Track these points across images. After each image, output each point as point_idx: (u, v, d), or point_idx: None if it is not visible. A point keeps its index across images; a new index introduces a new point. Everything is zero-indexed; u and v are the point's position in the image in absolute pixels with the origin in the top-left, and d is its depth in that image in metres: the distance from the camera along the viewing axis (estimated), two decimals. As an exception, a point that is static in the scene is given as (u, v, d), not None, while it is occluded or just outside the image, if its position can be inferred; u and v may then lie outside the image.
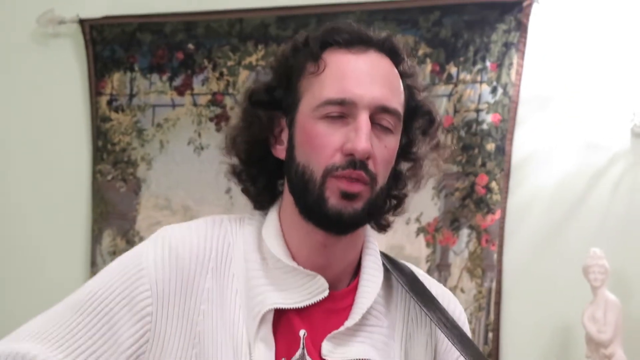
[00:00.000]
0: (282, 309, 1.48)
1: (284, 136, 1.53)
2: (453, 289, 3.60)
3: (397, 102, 1.50)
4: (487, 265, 3.59)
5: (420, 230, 3.65)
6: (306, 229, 1.50)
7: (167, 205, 4.02)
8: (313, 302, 1.49)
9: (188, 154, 4.00)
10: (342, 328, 1.50)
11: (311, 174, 1.46)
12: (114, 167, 4.09)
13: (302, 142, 1.49)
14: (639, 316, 3.43)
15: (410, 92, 1.55)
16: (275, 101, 1.53)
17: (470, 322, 3.57)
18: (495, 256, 3.58)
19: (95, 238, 4.08)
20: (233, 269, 1.51)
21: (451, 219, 3.64)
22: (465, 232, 3.62)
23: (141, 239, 4.01)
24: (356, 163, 1.45)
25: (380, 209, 1.55)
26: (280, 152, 1.54)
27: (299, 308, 1.49)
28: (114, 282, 1.48)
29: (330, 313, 1.51)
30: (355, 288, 1.54)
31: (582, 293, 3.33)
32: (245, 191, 1.59)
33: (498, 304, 3.58)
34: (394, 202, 1.58)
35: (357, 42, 1.50)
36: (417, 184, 1.59)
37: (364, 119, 1.45)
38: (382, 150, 1.48)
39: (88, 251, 4.09)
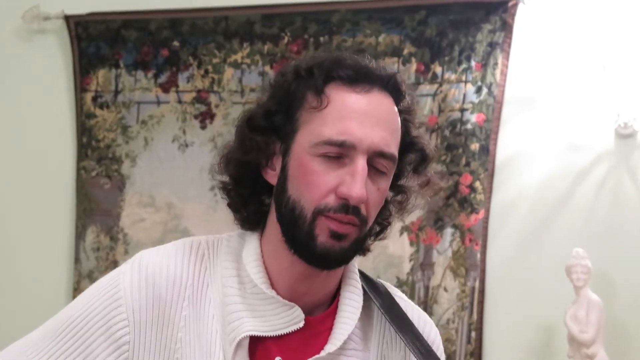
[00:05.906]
0: (258, 335, 1.48)
1: (277, 162, 1.50)
2: (436, 288, 3.61)
3: (395, 145, 1.48)
4: (470, 265, 3.60)
5: (404, 229, 3.65)
6: (290, 259, 1.49)
7: (151, 203, 4.01)
8: (288, 332, 1.48)
9: (172, 151, 4.00)
10: (323, 353, 1.50)
11: (302, 210, 1.45)
12: (98, 164, 4.08)
13: (295, 176, 1.46)
14: (621, 316, 3.45)
15: (406, 127, 1.52)
16: (273, 127, 1.50)
17: (453, 321, 3.59)
18: (478, 255, 3.59)
19: (79, 234, 4.07)
20: (210, 293, 1.50)
21: (435, 218, 3.65)
22: (449, 231, 3.63)
23: (125, 236, 4.01)
24: (349, 208, 1.43)
25: (365, 243, 1.54)
26: (271, 177, 1.51)
27: (275, 335, 1.49)
28: (92, 309, 1.48)
29: (307, 339, 1.51)
30: (333, 312, 1.54)
31: (565, 293, 3.34)
32: (232, 207, 1.56)
33: (481, 303, 3.59)
34: (377, 228, 1.57)
35: (362, 79, 1.47)
36: (402, 213, 1.59)
37: (361, 164, 1.43)
38: (375, 193, 1.46)
39: (72, 248, 4.08)
